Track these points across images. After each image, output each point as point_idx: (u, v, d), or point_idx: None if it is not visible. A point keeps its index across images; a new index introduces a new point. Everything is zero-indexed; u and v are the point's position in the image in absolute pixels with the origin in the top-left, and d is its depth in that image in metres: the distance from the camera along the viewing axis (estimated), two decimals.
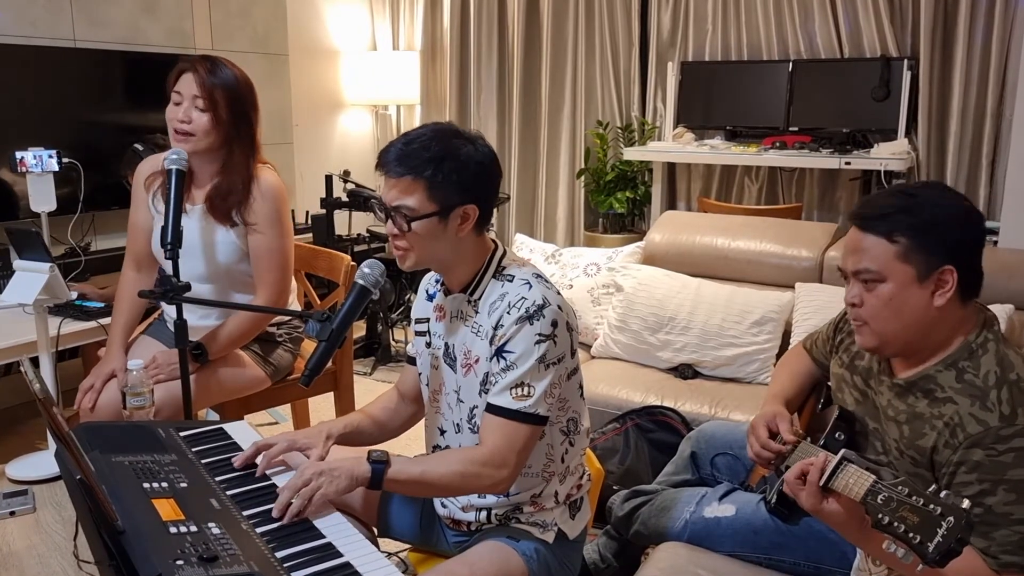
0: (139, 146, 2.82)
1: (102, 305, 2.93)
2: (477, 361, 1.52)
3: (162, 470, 1.50)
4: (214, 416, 2.45)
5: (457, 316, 1.58)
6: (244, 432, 1.77)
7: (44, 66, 3.31)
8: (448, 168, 1.45)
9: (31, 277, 1.62)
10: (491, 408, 1.46)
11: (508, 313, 1.46)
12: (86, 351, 3.06)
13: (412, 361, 1.74)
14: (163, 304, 2.23)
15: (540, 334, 1.43)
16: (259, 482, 1.51)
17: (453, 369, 1.58)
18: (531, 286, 1.48)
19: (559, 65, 4.64)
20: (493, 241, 1.59)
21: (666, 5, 4.34)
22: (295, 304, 2.30)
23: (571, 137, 4.67)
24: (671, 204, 4.45)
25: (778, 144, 3.91)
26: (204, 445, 1.67)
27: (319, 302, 2.56)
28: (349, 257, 2.38)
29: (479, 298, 1.53)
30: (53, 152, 2.89)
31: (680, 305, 2.77)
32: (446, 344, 1.60)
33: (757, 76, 4.11)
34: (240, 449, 1.67)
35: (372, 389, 3.59)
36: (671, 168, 4.40)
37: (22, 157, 2.86)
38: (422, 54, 4.99)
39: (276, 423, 3.22)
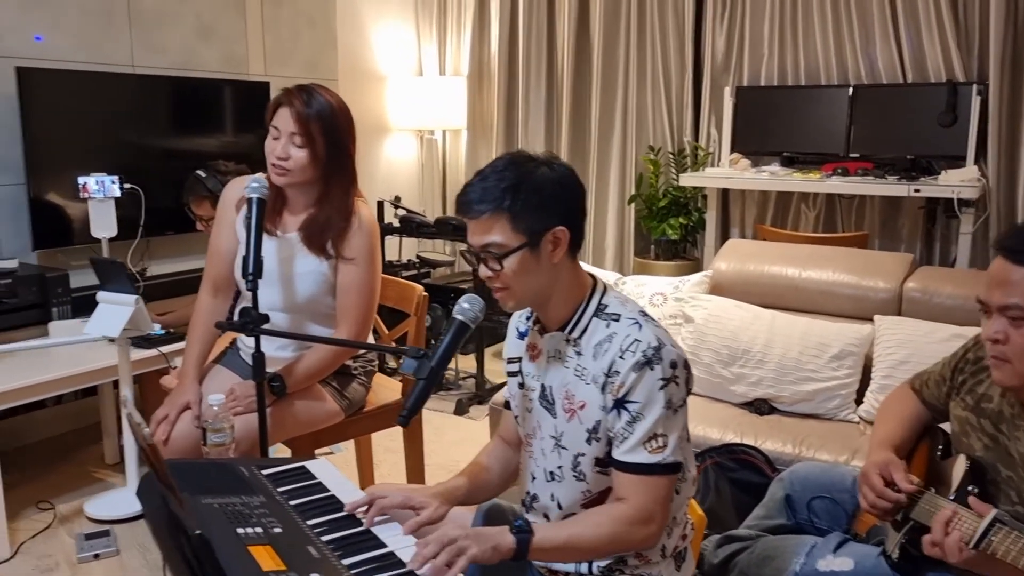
0: (201, 172, 2.79)
1: (163, 332, 2.90)
2: (583, 407, 1.44)
3: (253, 514, 1.44)
4: (283, 450, 2.39)
5: (554, 356, 1.50)
6: (326, 470, 1.71)
7: (104, 91, 3.31)
8: (527, 193, 1.38)
9: (116, 310, 1.57)
10: (627, 466, 1.38)
11: (621, 358, 1.38)
12: (145, 379, 3.02)
13: (508, 405, 1.67)
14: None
15: (662, 378, 1.36)
16: (351, 527, 1.44)
17: (551, 413, 1.50)
18: (641, 326, 1.41)
19: (609, 89, 4.59)
20: (591, 276, 1.52)
21: (720, 29, 4.28)
22: (370, 340, 2.24)
23: (621, 162, 4.61)
24: (725, 231, 4.37)
25: (840, 171, 3.82)
26: (289, 485, 1.61)
27: (387, 331, 2.50)
28: (421, 288, 2.32)
29: (579, 337, 1.46)
30: (115, 178, 2.88)
31: (754, 337, 2.67)
32: (542, 386, 1.52)
33: (815, 101, 4.03)
34: (324, 488, 1.60)
35: (436, 421, 3.52)
36: (725, 194, 4.31)
37: (85, 183, 2.85)
38: (469, 79, 4.96)
39: (331, 452, 3.16)
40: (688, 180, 4.10)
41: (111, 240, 2.97)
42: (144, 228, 3.21)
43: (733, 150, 4.16)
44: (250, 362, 2.14)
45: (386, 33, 4.88)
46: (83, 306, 3.03)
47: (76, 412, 3.48)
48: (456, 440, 3.38)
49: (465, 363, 4.19)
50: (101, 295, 1.60)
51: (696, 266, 4.40)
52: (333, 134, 1.97)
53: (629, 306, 1.46)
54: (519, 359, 1.61)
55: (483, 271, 1.44)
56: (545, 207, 1.39)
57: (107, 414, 3.16)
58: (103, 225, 2.87)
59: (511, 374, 1.63)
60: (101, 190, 2.84)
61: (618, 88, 4.56)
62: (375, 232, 2.05)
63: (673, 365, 1.37)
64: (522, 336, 1.62)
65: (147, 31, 3.55)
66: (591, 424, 1.43)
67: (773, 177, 3.91)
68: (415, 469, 2.43)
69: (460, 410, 3.67)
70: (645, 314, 1.45)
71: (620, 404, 1.38)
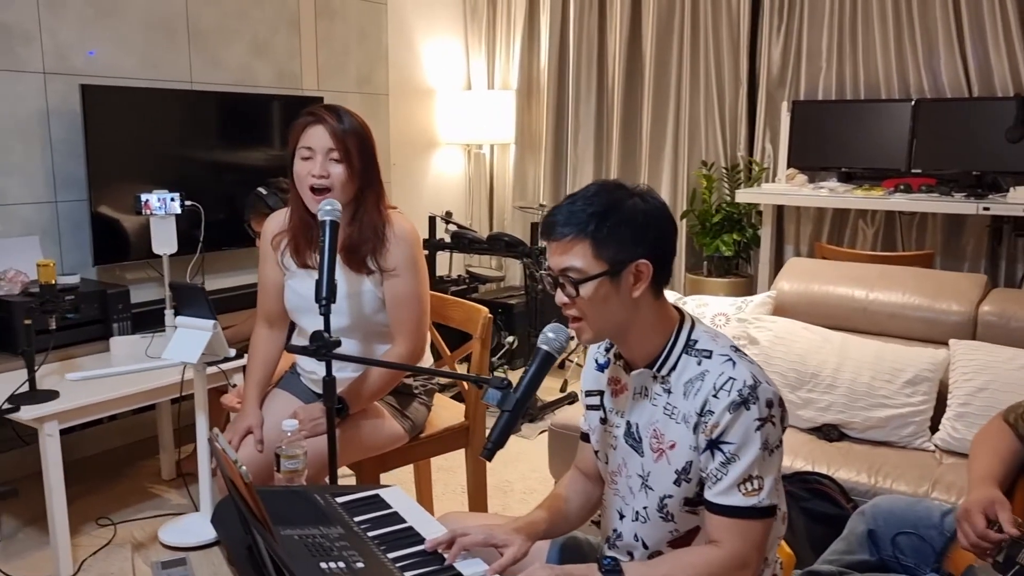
0: (262, 190, 2.79)
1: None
2: (673, 447, 1.39)
3: (333, 546, 1.41)
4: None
5: (641, 393, 1.46)
6: (400, 499, 1.68)
7: (163, 107, 3.33)
8: (614, 221, 1.34)
9: (194, 335, 1.55)
10: (721, 509, 1.32)
11: (716, 397, 1.33)
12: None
13: (586, 437, 1.63)
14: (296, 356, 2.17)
15: (759, 419, 1.30)
16: (434, 563, 1.41)
17: (637, 451, 1.46)
18: (735, 363, 1.35)
19: (661, 103, 4.53)
20: (677, 310, 1.47)
21: (776, 41, 4.21)
22: (428, 356, 2.21)
23: (672, 177, 4.55)
24: (779, 247, 4.28)
25: (902, 187, 3.73)
26: (366, 515, 1.58)
27: (449, 352, 2.47)
28: (486, 310, 2.28)
29: (668, 374, 1.41)
30: (176, 195, 2.88)
31: (823, 361, 2.60)
32: (628, 423, 1.48)
33: (876, 116, 3.94)
34: (401, 519, 1.57)
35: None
36: (779, 210, 4.23)
37: (147, 200, 2.86)
38: (518, 93, 4.94)
39: None
40: (744, 196, 4.02)
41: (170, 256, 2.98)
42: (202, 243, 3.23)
43: (789, 165, 4.08)
44: (310, 385, 2.14)
45: (435, 47, 4.88)
46: (142, 322, 3.05)
47: (131, 426, 3.50)
48: (508, 459, 3.34)
49: (516, 377, 4.14)
50: (180, 320, 1.59)
51: (750, 283, 4.32)
52: (365, 147, 1.96)
53: (720, 341, 1.41)
54: (600, 392, 1.56)
55: (559, 296, 1.40)
56: (631, 238, 1.34)
57: (164, 429, 3.17)
58: (164, 242, 2.88)
59: (591, 407, 1.59)
60: (163, 207, 2.85)
61: (670, 102, 4.51)
62: (414, 241, 2.02)
63: (769, 404, 1.32)
64: (601, 368, 1.58)
65: (205, 48, 3.58)
66: (681, 464, 1.38)
67: (833, 194, 3.82)
68: (477, 492, 2.39)
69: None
70: (737, 349, 1.40)
71: (714, 445, 1.33)
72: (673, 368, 1.41)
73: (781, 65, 4.22)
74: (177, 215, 2.91)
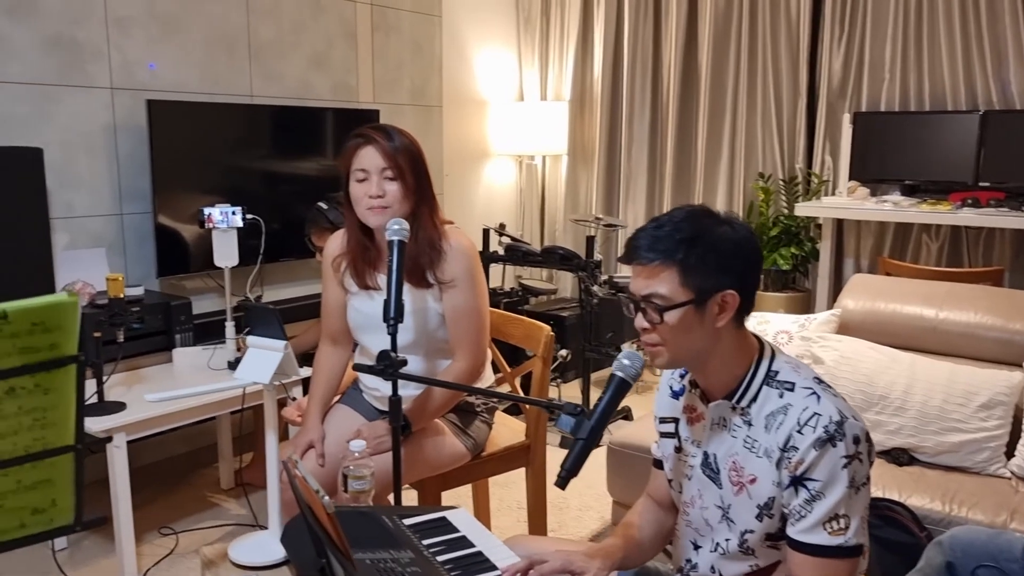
0: (323, 204, 2.81)
1: None
2: (754, 481, 1.35)
3: (405, 572, 1.40)
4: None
5: (719, 424, 1.42)
6: (467, 522, 1.67)
7: (224, 121, 3.38)
8: (702, 249, 1.31)
9: (266, 355, 1.56)
10: (805, 547, 1.28)
11: (800, 432, 1.29)
12: (260, 409, 3.05)
13: (658, 464, 1.60)
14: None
15: (845, 456, 1.26)
16: None
17: (715, 483, 1.42)
18: (819, 397, 1.31)
19: (717, 114, 4.48)
20: (757, 339, 1.43)
21: (838, 51, 4.13)
22: (489, 372, 2.20)
23: (728, 190, 4.48)
24: (838, 261, 4.20)
25: (970, 201, 3.62)
26: (434, 538, 1.57)
27: (509, 369, 2.46)
28: (548, 328, 2.26)
29: (748, 406, 1.37)
30: (238, 209, 2.91)
31: (892, 383, 2.53)
32: (705, 453, 1.44)
33: (941, 128, 3.84)
34: (469, 543, 1.56)
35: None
36: (839, 224, 4.15)
37: (210, 214, 2.89)
38: (571, 104, 4.93)
39: None
40: (805, 210, 3.95)
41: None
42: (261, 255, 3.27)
43: (851, 178, 4.00)
44: (373, 402, 2.14)
45: (488, 59, 4.89)
46: (203, 333, 3.10)
47: (191, 434, 3.55)
48: None
49: (568, 391, 4.12)
50: (251, 340, 1.60)
51: (807, 298, 4.24)
52: (417, 164, 1.97)
53: (803, 373, 1.37)
54: (674, 420, 1.53)
55: (639, 321, 1.38)
56: (719, 267, 1.31)
57: (223, 438, 3.20)
58: (225, 255, 2.91)
59: (665, 434, 1.56)
60: (225, 220, 2.88)
61: (726, 112, 4.45)
62: (471, 254, 2.01)
63: (856, 441, 1.28)
64: (676, 395, 1.55)
65: (265, 62, 3.63)
66: (763, 500, 1.34)
67: (897, 208, 3.73)
68: (537, 512, 2.37)
69: (566, 443, 3.60)
70: (821, 381, 1.36)
71: (798, 482, 1.29)
72: (753, 400, 1.37)
73: (842, 75, 4.14)
74: (238, 228, 2.94)
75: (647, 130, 4.71)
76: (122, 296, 2.46)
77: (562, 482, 1.40)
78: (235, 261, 2.95)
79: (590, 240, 3.70)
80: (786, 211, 4.25)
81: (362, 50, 4.06)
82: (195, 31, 3.37)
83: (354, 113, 3.90)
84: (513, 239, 3.98)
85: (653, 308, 1.33)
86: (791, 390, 1.34)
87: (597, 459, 3.45)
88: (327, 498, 1.07)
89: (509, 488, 3.14)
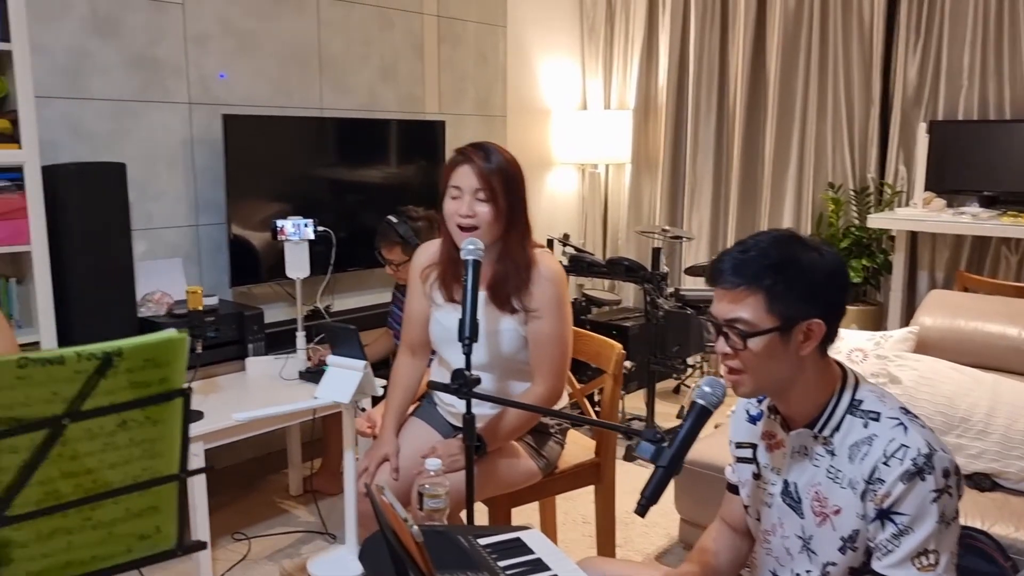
0: (393, 218, 2.85)
1: None
2: (838, 512, 1.32)
3: None
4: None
5: (800, 452, 1.40)
6: (541, 543, 1.66)
7: (295, 134, 3.45)
8: (790, 277, 1.29)
9: (345, 375, 1.59)
10: None
11: (886, 464, 1.26)
12: (329, 417, 3.11)
13: (733, 489, 1.58)
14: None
15: (935, 490, 1.23)
16: None
17: (796, 512, 1.40)
18: (906, 428, 1.28)
19: (785, 123, 4.40)
20: (840, 366, 1.40)
21: (913, 59, 4.02)
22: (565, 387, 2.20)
23: (796, 200, 4.40)
24: (912, 274, 4.08)
25: None
26: (510, 559, 1.57)
27: (578, 385, 2.45)
28: (619, 346, 2.25)
29: (831, 435, 1.35)
30: (310, 221, 2.97)
31: (974, 405, 2.44)
32: (785, 482, 1.42)
33: (1022, 136, 3.70)
34: (545, 566, 1.56)
35: None
36: (912, 236, 4.03)
37: (282, 226, 2.96)
38: (635, 112, 4.89)
39: None
40: (878, 222, 3.85)
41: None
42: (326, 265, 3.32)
43: (926, 188, 3.89)
44: (447, 417, 2.16)
45: (552, 68, 4.89)
46: (274, 342, 3.16)
47: (261, 440, 3.63)
48: (628, 490, 3.27)
49: (632, 402, 4.09)
50: (331, 359, 1.63)
51: (879, 311, 4.13)
52: (511, 185, 1.97)
53: (888, 403, 1.34)
54: (752, 445, 1.51)
55: (721, 346, 1.36)
56: (807, 295, 1.29)
57: (292, 444, 3.27)
58: (297, 266, 2.96)
59: (742, 459, 1.53)
60: (297, 233, 2.94)
61: (795, 121, 4.37)
62: (559, 280, 2.01)
63: (946, 474, 1.24)
64: (754, 420, 1.53)
65: (335, 75, 3.70)
66: (847, 532, 1.31)
67: (976, 220, 3.61)
68: (606, 531, 2.36)
69: (630, 456, 3.57)
70: (907, 411, 1.32)
71: (884, 515, 1.26)
72: (836, 429, 1.34)
73: (917, 83, 4.03)
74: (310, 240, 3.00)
75: (713, 138, 4.65)
76: (201, 308, 2.53)
77: (642, 510, 1.39)
78: (306, 272, 3.00)
79: (656, 252, 3.67)
80: (857, 222, 4.15)
81: (428, 62, 4.10)
82: (268, 46, 3.45)
83: (420, 124, 3.95)
84: (577, 249, 3.98)
85: (736, 333, 1.31)
86: (876, 420, 1.31)
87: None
88: (416, 527, 1.08)
89: (574, 502, 3.13)
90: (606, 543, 2.36)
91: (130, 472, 0.89)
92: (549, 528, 2.61)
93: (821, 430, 1.35)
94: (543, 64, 4.84)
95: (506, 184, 1.95)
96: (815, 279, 1.29)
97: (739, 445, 1.54)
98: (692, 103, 4.68)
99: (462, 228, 1.94)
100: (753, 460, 1.50)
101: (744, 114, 4.50)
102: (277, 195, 3.38)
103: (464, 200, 1.93)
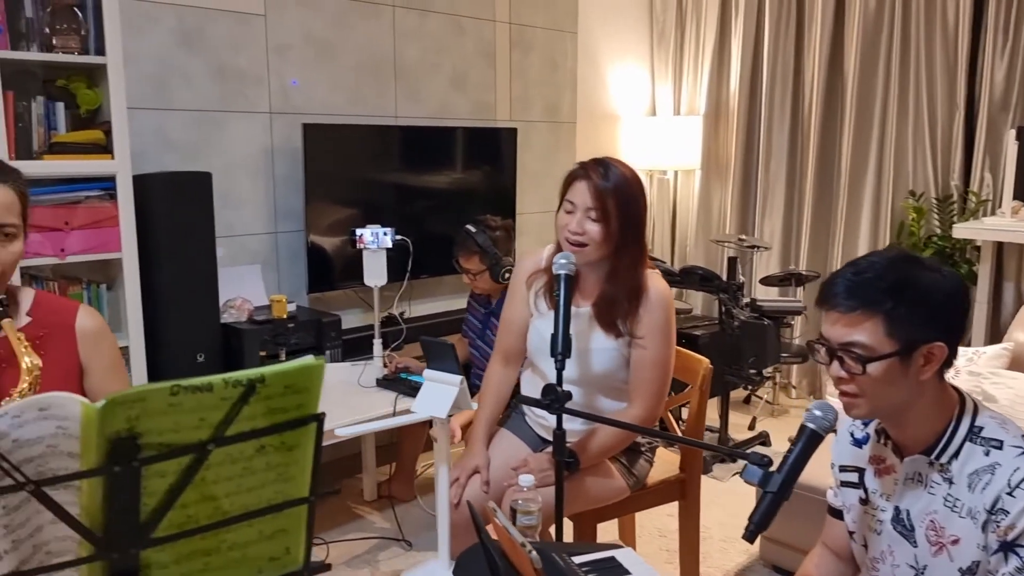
0: (471, 227, 2.85)
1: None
2: (956, 543, 1.28)
3: None
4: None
5: (914, 479, 1.35)
6: (636, 563, 1.64)
7: (371, 142, 3.49)
8: (911, 299, 1.24)
9: (442, 389, 1.60)
10: None
11: (1011, 495, 1.21)
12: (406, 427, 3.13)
13: (836, 513, 1.53)
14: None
15: None
16: None
17: (909, 541, 1.35)
18: None
19: (864, 128, 4.28)
20: (956, 391, 1.35)
21: (1000, 62, 3.88)
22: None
23: (874, 208, 4.28)
24: (997, 286, 3.93)
25: None
26: None
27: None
28: (707, 361, 2.21)
29: (948, 462, 1.30)
30: (388, 230, 2.99)
31: None
32: (896, 508, 1.37)
33: None
34: None
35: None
36: (999, 246, 3.88)
37: (361, 234, 2.98)
38: (705, 118, 4.82)
39: None
40: (964, 232, 3.72)
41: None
42: (403, 272, 3.35)
43: (1015, 197, 3.74)
44: (537, 429, 2.15)
45: (621, 73, 4.86)
46: (350, 348, 3.20)
47: (335, 444, 3.67)
48: (702, 503, 3.23)
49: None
50: (428, 373, 1.64)
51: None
52: (627, 208, 1.93)
53: (1011, 430, 1.29)
54: (858, 469, 1.47)
55: (835, 370, 1.32)
56: (929, 318, 1.25)
57: (367, 449, 3.30)
58: (375, 274, 2.99)
59: (847, 484, 1.49)
60: (375, 241, 2.96)
61: (874, 126, 4.25)
62: (669, 305, 1.98)
63: None
64: (859, 443, 1.48)
65: (409, 83, 3.72)
66: (966, 563, 1.26)
67: None
68: (690, 548, 2.32)
69: (704, 468, 3.52)
70: None
71: (1009, 548, 1.21)
72: (955, 456, 1.29)
73: (1005, 87, 3.88)
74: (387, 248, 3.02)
75: (786, 144, 4.56)
76: (285, 317, 2.57)
77: (751, 536, 1.36)
78: (383, 280, 3.02)
79: (732, 261, 3.61)
80: (939, 232, 4.02)
81: (500, 69, 4.11)
82: (346, 55, 3.49)
83: (491, 132, 3.95)
84: (650, 257, 3.93)
85: (854, 358, 1.27)
86: (999, 448, 1.26)
87: (735, 485, 3.36)
88: (534, 553, 1.07)
89: (648, 515, 3.08)
90: (690, 561, 2.32)
91: (264, 495, 0.90)
92: (627, 543, 2.58)
93: (938, 457, 1.31)
94: (612, 70, 4.80)
95: (621, 205, 1.91)
96: (936, 301, 1.25)
97: (843, 468, 1.50)
98: (765, 108, 4.59)
99: (570, 243, 1.92)
100: (859, 485, 1.46)
101: (820, 119, 4.40)
102: (352, 203, 3.42)
103: (576, 216, 1.92)
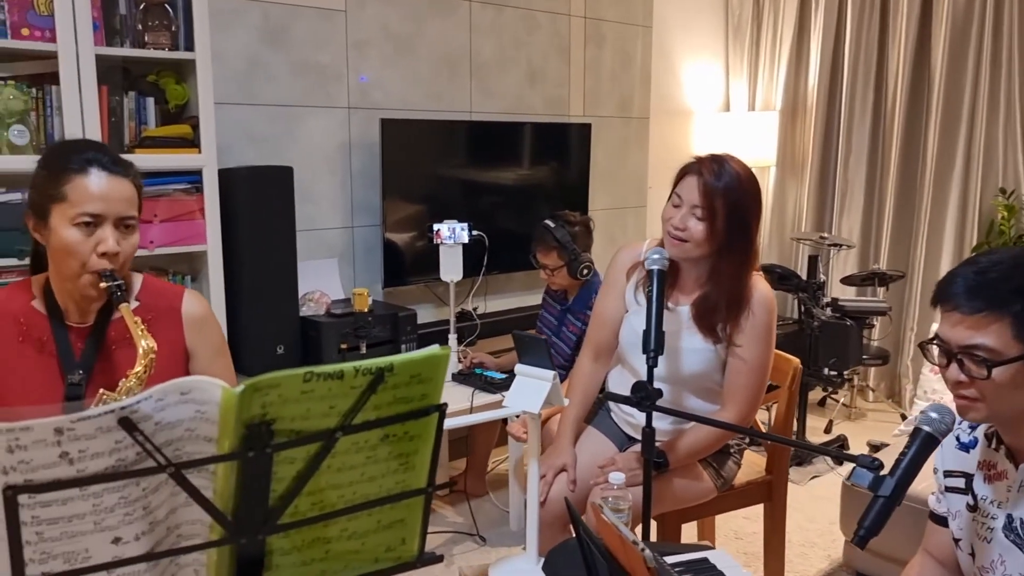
0: (550, 223, 2.83)
1: (503, 376, 2.97)
2: None
3: None
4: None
5: None
6: (729, 565, 1.60)
7: (446, 137, 3.49)
8: None
9: (534, 384, 1.58)
10: None
11: None
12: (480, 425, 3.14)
13: (939, 520, 1.47)
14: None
15: None
16: None
17: (1022, 550, 1.28)
18: None
19: (951, 123, 4.13)
20: None
21: None
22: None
23: (961, 206, 4.12)
24: None
25: None
26: None
27: None
28: (798, 361, 2.15)
29: None
30: (465, 225, 3.00)
31: None
32: (1009, 516, 1.30)
33: None
34: None
35: None
36: None
37: (438, 229, 3.00)
38: (782, 113, 4.71)
39: None
40: None
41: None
42: (478, 267, 3.35)
43: None
44: (623, 427, 2.12)
45: (694, 68, 4.78)
46: (424, 343, 3.21)
47: None
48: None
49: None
50: (519, 368, 1.63)
51: None
52: (736, 210, 1.85)
53: None
54: (966, 475, 1.40)
55: (954, 373, 1.26)
56: None
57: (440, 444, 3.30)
58: (451, 269, 3.00)
59: (953, 489, 1.43)
60: (452, 236, 2.98)
61: (962, 122, 4.09)
62: (772, 310, 1.91)
63: None
64: (966, 448, 1.42)
65: (484, 79, 3.72)
66: None
67: None
68: (775, 550, 2.27)
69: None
70: None
71: None
72: None
73: None
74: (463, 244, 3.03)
75: (867, 140, 4.42)
76: (366, 311, 2.58)
77: (860, 541, 1.31)
78: (459, 276, 3.04)
79: (813, 259, 3.52)
80: None
81: (575, 64, 4.07)
82: (423, 51, 3.50)
83: (564, 127, 3.92)
84: None
85: (978, 362, 1.21)
86: None
87: (811, 489, 3.27)
88: (648, 552, 1.04)
89: (725, 518, 3.03)
90: (774, 563, 2.26)
91: (385, 485, 0.90)
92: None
93: None
94: (686, 64, 4.73)
95: (729, 206, 1.84)
96: None
97: (948, 473, 1.44)
98: (846, 103, 4.46)
99: (671, 237, 1.88)
100: (967, 491, 1.39)
101: (904, 114, 4.26)
102: (426, 198, 3.43)
103: (681, 211, 1.87)
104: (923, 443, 1.31)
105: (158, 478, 0.76)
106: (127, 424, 0.72)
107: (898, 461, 1.31)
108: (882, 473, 1.32)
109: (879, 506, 1.30)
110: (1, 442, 0.68)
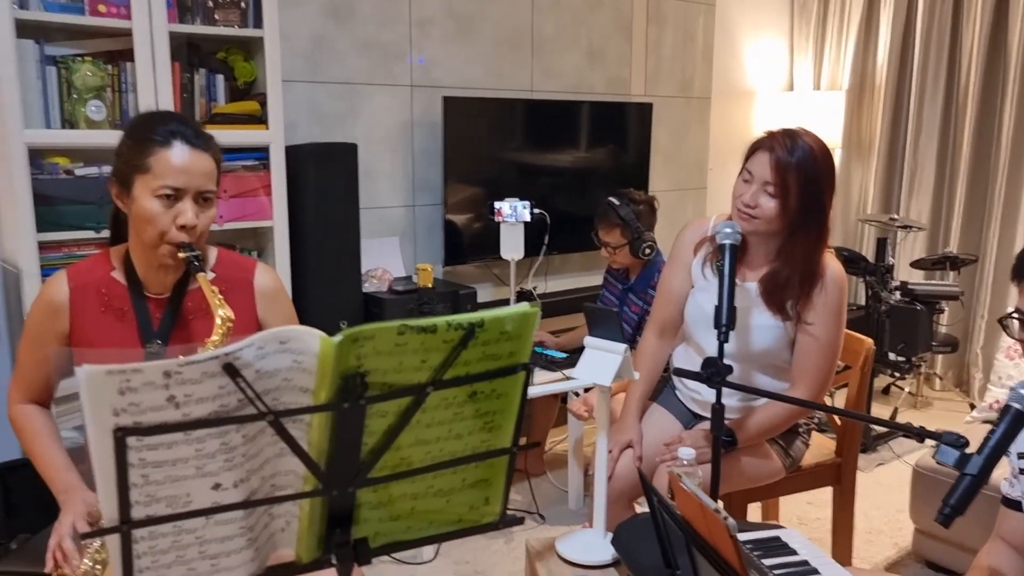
0: (615, 200, 2.80)
1: (564, 356, 2.97)
2: None
3: None
4: None
5: None
6: (803, 544, 1.58)
7: (507, 116, 3.48)
8: None
9: (605, 357, 1.57)
10: None
11: None
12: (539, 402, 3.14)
13: (1013, 505, 1.42)
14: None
15: None
16: None
17: None
18: None
19: None
20: None
21: None
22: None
23: None
24: None
25: None
26: (775, 559, 1.50)
27: None
28: (871, 341, 2.10)
29: None
30: (527, 203, 2.99)
31: None
32: None
33: None
34: (813, 568, 1.47)
35: None
36: None
37: (500, 207, 2.99)
38: (848, 93, 4.59)
39: None
40: None
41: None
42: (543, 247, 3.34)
43: None
44: (689, 404, 2.10)
45: (758, 47, 4.68)
46: None
47: None
48: None
49: (841, 397, 3.86)
50: (588, 340, 1.62)
51: None
52: (809, 186, 1.80)
53: None
54: None
55: None
56: None
57: None
58: (512, 247, 3.00)
59: None
60: (514, 214, 2.97)
61: None
62: (843, 288, 1.87)
63: None
64: None
65: (545, 58, 3.70)
66: None
67: None
68: (843, 534, 2.22)
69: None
70: None
71: None
72: None
73: None
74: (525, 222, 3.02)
75: (939, 120, 4.28)
76: (431, 286, 2.60)
77: (945, 520, 1.27)
78: (520, 254, 3.03)
79: (882, 242, 3.43)
80: None
81: (636, 43, 4.02)
82: (485, 29, 3.49)
83: (626, 107, 3.88)
84: None
85: None
86: None
87: (878, 476, 3.20)
88: (731, 520, 1.03)
89: (786, 501, 2.98)
90: (843, 546, 2.22)
91: (470, 443, 0.90)
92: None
93: None
94: (749, 43, 4.63)
95: (803, 183, 1.79)
96: None
97: (1022, 455, 1.39)
98: (916, 82, 4.32)
99: (740, 213, 1.85)
100: None
101: (978, 93, 4.11)
102: (487, 177, 3.43)
103: (752, 187, 1.83)
104: (1013, 420, 1.26)
105: (257, 426, 0.78)
106: (231, 370, 0.73)
107: (986, 439, 1.27)
108: (967, 451, 1.28)
109: (966, 484, 1.26)
110: (113, 383, 0.70)
